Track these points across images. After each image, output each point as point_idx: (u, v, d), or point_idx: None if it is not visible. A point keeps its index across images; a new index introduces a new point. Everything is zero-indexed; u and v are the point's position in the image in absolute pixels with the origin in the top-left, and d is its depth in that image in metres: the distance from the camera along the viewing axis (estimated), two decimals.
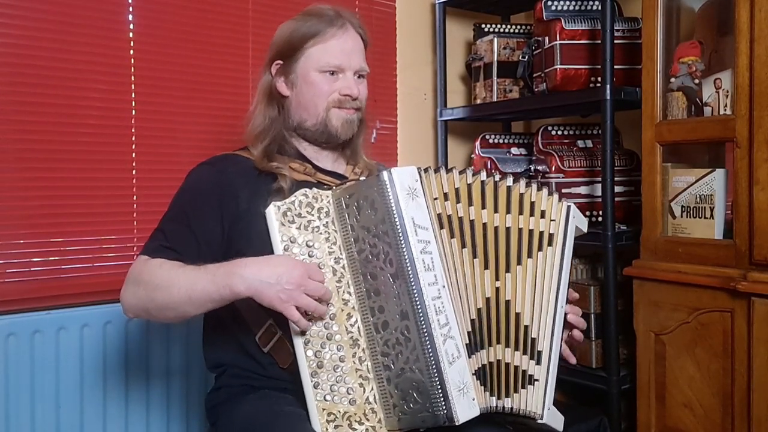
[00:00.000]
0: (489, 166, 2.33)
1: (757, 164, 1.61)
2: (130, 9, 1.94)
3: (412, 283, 1.16)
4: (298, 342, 1.22)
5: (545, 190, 1.30)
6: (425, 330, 1.15)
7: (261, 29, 2.13)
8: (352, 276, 1.24)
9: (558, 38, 2.07)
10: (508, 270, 1.26)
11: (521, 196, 1.28)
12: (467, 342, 1.20)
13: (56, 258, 1.83)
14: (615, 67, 1.96)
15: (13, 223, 1.77)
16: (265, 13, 2.16)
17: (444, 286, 1.18)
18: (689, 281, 1.74)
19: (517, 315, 1.25)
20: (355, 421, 1.20)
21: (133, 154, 1.95)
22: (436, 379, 1.14)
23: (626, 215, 2.10)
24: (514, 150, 2.42)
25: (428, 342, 1.14)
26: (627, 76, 2.04)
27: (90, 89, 1.87)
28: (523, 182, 1.29)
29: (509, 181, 1.29)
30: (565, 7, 2.11)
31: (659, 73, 1.83)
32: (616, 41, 1.97)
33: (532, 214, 1.29)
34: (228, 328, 1.39)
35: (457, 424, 1.14)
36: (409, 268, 1.16)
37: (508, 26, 2.47)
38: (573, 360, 1.34)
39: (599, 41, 1.99)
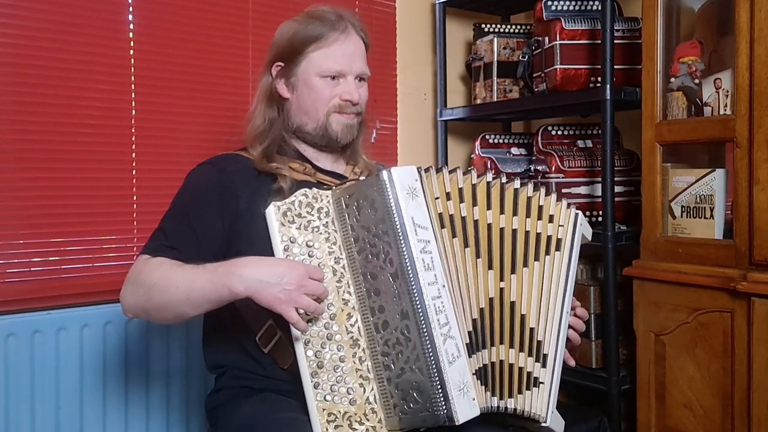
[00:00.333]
0: (489, 166, 2.33)
1: (757, 164, 1.61)
2: (130, 9, 1.94)
3: (412, 283, 1.16)
4: (298, 342, 1.22)
5: (554, 196, 1.31)
6: (425, 330, 1.15)
7: (261, 29, 2.13)
8: (352, 276, 1.24)
9: (558, 38, 2.07)
10: (513, 271, 1.26)
11: (529, 199, 1.28)
12: (468, 342, 1.20)
13: (56, 258, 1.83)
14: (615, 67, 1.96)
15: (13, 223, 1.77)
16: (265, 13, 2.16)
17: (444, 286, 1.18)
18: (689, 281, 1.74)
19: (523, 317, 1.25)
20: (356, 421, 1.20)
21: (133, 154, 1.95)
22: (437, 378, 1.14)
23: (626, 215, 2.10)
24: (514, 150, 2.42)
25: (428, 342, 1.14)
26: (627, 76, 2.04)
27: (90, 89, 1.87)
28: (530, 186, 1.30)
29: (516, 183, 1.29)
30: (565, 7, 2.11)
31: (659, 73, 1.83)
32: (616, 41, 1.97)
33: (540, 217, 1.29)
34: (228, 329, 1.39)
35: (457, 423, 1.14)
36: (409, 268, 1.16)
37: (508, 26, 2.47)
38: (572, 362, 1.33)
39: (599, 41, 1.99)
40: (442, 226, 1.22)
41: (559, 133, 2.24)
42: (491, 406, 1.22)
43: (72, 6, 1.84)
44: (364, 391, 1.21)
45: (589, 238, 1.36)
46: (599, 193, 2.05)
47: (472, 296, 1.23)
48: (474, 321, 1.22)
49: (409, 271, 1.16)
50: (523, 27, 2.44)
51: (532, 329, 1.25)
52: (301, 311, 1.18)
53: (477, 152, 2.41)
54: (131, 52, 1.94)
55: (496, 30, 2.45)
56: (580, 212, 1.33)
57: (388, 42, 2.52)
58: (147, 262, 1.31)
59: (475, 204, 1.25)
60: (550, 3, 2.11)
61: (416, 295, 1.15)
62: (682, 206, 1.83)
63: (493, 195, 1.27)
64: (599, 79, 2.02)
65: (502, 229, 1.26)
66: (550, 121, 2.42)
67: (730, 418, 1.67)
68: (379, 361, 1.20)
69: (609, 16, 1.94)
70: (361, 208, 1.22)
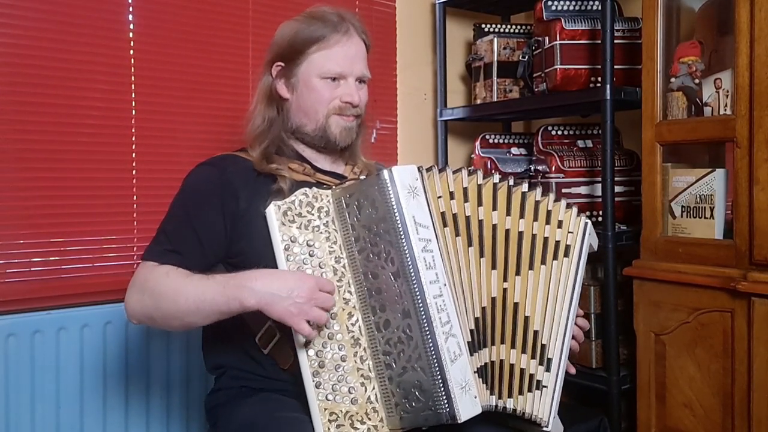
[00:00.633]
0: (489, 166, 2.33)
1: (757, 164, 1.61)
2: (130, 9, 1.94)
3: (414, 282, 1.16)
4: (300, 342, 1.22)
5: (563, 202, 1.31)
6: (427, 328, 1.15)
7: (261, 29, 2.13)
8: (353, 275, 1.24)
9: (558, 38, 2.07)
10: (518, 273, 1.26)
11: (537, 203, 1.28)
12: (469, 340, 1.20)
13: (56, 258, 1.83)
14: (615, 67, 1.96)
15: (13, 223, 1.77)
16: (265, 13, 2.16)
17: (445, 284, 1.18)
18: (689, 281, 1.74)
19: (526, 318, 1.25)
20: (357, 420, 1.20)
21: (133, 154, 1.95)
22: (438, 377, 1.13)
23: (626, 215, 2.10)
24: (514, 150, 2.42)
25: (430, 340, 1.14)
26: (627, 76, 2.04)
27: (90, 89, 1.87)
28: (539, 190, 1.29)
29: (524, 187, 1.28)
30: (565, 7, 2.11)
31: (659, 73, 1.83)
32: (616, 41, 1.97)
33: (548, 222, 1.28)
34: (228, 330, 1.38)
35: (459, 422, 1.14)
36: (410, 267, 1.16)
37: (508, 26, 2.47)
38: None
39: (599, 41, 1.99)
40: (445, 225, 1.22)
41: (559, 133, 2.24)
42: (491, 405, 1.22)
43: (72, 6, 1.84)
44: (366, 391, 1.21)
45: (596, 248, 1.36)
46: (599, 193, 2.05)
47: (475, 295, 1.23)
48: (476, 319, 1.22)
49: (411, 270, 1.16)
50: (523, 27, 2.44)
51: (536, 332, 1.25)
52: (312, 323, 1.19)
53: (477, 152, 2.41)
54: (131, 52, 1.94)
55: (496, 30, 2.45)
56: (589, 222, 1.33)
57: (388, 42, 2.52)
58: (153, 269, 1.31)
59: (480, 204, 1.25)
60: (550, 3, 2.11)
61: (418, 293, 1.15)
62: (682, 206, 1.83)
63: (499, 196, 1.26)
64: (599, 79, 2.02)
65: (507, 231, 1.26)
66: (550, 121, 2.42)
67: (730, 418, 1.67)
68: (381, 360, 1.20)
69: (609, 16, 1.94)
70: (362, 208, 1.22)
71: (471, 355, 1.19)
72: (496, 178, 1.27)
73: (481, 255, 1.24)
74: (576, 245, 1.30)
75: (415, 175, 1.21)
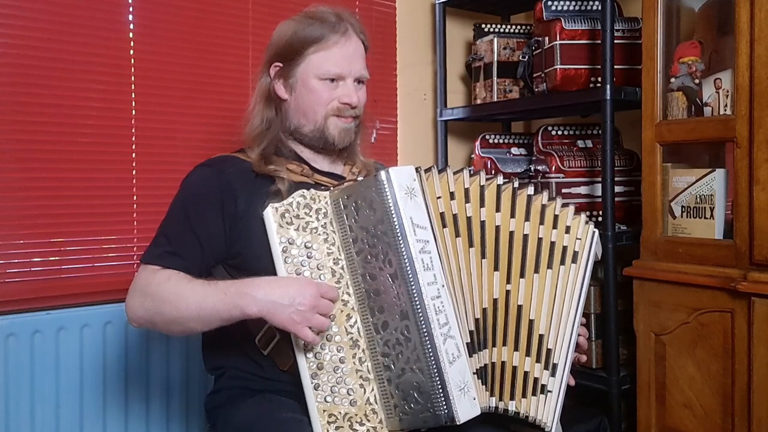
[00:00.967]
0: (489, 166, 2.33)
1: (757, 164, 1.61)
2: (130, 9, 1.94)
3: (412, 283, 1.16)
4: (299, 344, 1.22)
5: (572, 207, 1.29)
6: (425, 330, 1.15)
7: (261, 29, 2.13)
8: (351, 276, 1.24)
9: (558, 38, 2.07)
10: (522, 275, 1.25)
11: (543, 207, 1.28)
12: (468, 341, 1.20)
13: (56, 258, 1.83)
14: (615, 67, 1.95)
15: (13, 223, 1.77)
16: (265, 13, 2.16)
17: (443, 286, 1.18)
18: (689, 281, 1.74)
19: (531, 322, 1.24)
20: (356, 422, 1.20)
21: (133, 154, 1.95)
22: (437, 378, 1.14)
23: (626, 215, 2.10)
24: (514, 150, 2.42)
25: (428, 342, 1.14)
26: (627, 76, 2.04)
27: (90, 89, 1.87)
28: (545, 194, 1.29)
29: (530, 190, 1.28)
30: (565, 7, 2.11)
31: (659, 73, 1.83)
32: (616, 41, 1.97)
33: (555, 226, 1.27)
34: (228, 331, 1.37)
35: (458, 423, 1.14)
36: (407, 268, 1.16)
37: (508, 26, 2.46)
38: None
39: (599, 41, 1.99)
40: (444, 226, 1.22)
41: (559, 133, 2.24)
42: (491, 406, 1.22)
43: (72, 6, 1.84)
44: (365, 392, 1.21)
45: (599, 257, 1.35)
46: (599, 193, 2.05)
47: (476, 296, 1.23)
48: (476, 321, 1.22)
49: (408, 272, 1.16)
50: (523, 27, 2.44)
51: (541, 336, 1.24)
52: (315, 330, 1.19)
53: (477, 152, 2.40)
54: (131, 52, 1.94)
55: (496, 30, 2.44)
56: (596, 231, 1.32)
57: (388, 42, 2.52)
58: (155, 273, 1.31)
59: (482, 205, 1.24)
60: (550, 3, 2.11)
61: (416, 295, 1.15)
62: (682, 206, 1.83)
63: (503, 198, 1.26)
64: (599, 79, 2.02)
65: (511, 233, 1.25)
66: (550, 121, 2.42)
67: (730, 418, 1.67)
68: (379, 362, 1.20)
69: (609, 16, 1.94)
70: (360, 209, 1.22)
71: (470, 356, 1.19)
72: (500, 179, 1.26)
73: (483, 256, 1.24)
74: (584, 252, 1.29)
75: (413, 175, 1.21)
